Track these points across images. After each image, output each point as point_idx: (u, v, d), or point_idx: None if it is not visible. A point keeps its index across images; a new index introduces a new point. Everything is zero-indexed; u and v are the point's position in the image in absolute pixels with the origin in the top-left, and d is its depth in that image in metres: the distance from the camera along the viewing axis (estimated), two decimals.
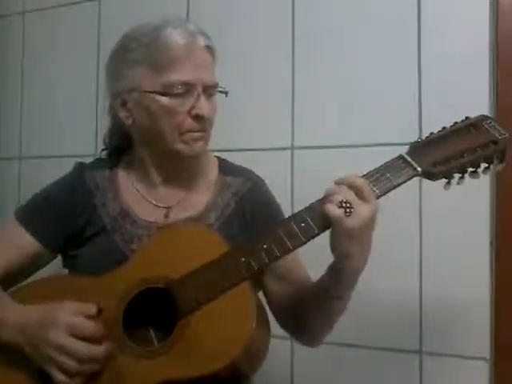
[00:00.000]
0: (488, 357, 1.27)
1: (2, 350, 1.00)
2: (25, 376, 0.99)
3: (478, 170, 0.95)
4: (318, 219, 0.92)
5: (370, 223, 0.90)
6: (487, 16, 1.29)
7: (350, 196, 0.89)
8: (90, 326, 0.96)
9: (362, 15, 1.41)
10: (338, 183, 0.92)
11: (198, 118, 1.07)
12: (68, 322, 0.96)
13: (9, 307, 1.03)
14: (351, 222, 0.88)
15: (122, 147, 1.21)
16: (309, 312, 1.06)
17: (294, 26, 1.49)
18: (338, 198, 0.90)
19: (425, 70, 1.35)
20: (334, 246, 0.93)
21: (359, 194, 0.90)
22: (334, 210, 0.89)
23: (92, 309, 0.97)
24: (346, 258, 0.92)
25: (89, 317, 0.97)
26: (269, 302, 1.14)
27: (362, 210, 0.89)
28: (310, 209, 0.94)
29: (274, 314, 1.13)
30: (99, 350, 0.95)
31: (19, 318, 1.00)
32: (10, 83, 1.89)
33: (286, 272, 1.12)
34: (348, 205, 0.89)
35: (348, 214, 0.88)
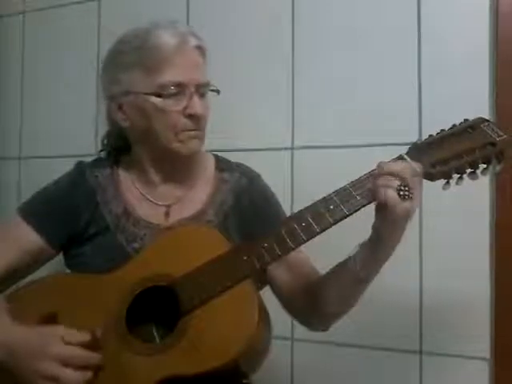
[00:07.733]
0: (488, 357, 1.27)
1: None
2: None
3: (477, 171, 0.96)
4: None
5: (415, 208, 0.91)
6: (487, 16, 1.29)
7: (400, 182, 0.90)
8: (82, 356, 0.94)
9: (362, 15, 1.41)
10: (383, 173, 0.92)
11: (191, 117, 1.09)
12: (59, 353, 0.94)
13: None
14: (409, 205, 0.89)
15: (120, 148, 1.22)
16: (327, 297, 1.06)
17: (294, 26, 1.49)
18: (394, 184, 0.90)
19: (425, 70, 1.35)
20: (381, 231, 0.94)
21: (405, 179, 0.90)
22: (393, 195, 0.89)
23: (85, 337, 0.96)
24: (388, 241, 0.94)
25: (82, 343, 0.95)
26: (276, 292, 1.15)
27: (415, 193, 0.90)
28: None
29: (282, 301, 1.15)
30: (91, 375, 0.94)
31: (6, 337, 0.98)
32: (10, 83, 1.89)
33: (292, 263, 1.12)
34: (405, 189, 0.89)
35: (405, 198, 0.89)
